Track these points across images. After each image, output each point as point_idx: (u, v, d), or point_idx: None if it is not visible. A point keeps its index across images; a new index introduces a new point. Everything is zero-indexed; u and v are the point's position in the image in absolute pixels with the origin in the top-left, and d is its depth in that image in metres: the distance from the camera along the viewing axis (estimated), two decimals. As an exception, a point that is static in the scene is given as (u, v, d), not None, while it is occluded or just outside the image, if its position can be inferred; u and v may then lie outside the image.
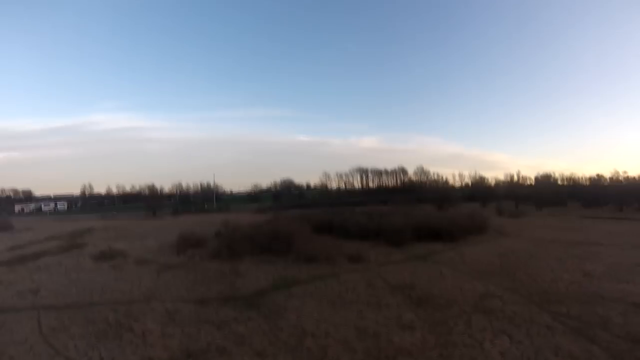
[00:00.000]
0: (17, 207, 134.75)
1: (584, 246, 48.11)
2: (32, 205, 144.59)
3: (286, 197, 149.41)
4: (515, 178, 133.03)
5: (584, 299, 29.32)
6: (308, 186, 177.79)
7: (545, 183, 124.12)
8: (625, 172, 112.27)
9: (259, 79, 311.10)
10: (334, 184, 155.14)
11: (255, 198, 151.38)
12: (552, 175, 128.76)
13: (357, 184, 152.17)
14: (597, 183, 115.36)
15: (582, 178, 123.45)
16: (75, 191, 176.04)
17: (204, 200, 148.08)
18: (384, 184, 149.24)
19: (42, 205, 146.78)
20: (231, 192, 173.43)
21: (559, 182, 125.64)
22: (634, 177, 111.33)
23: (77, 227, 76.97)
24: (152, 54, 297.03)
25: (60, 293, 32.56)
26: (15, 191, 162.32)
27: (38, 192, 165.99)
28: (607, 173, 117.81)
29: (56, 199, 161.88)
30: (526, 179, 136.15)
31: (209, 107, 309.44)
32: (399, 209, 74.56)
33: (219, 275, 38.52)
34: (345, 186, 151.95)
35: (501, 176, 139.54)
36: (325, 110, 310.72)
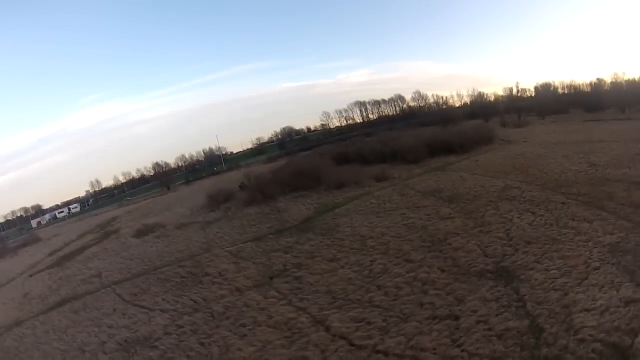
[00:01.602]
0: (34, 222, 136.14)
1: (589, 144, 51.52)
2: (47, 217, 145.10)
3: (290, 143, 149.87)
4: (515, 91, 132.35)
5: (591, 182, 33.71)
6: (309, 130, 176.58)
7: (546, 92, 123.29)
8: (624, 74, 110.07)
9: (235, 37, 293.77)
10: (335, 123, 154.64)
11: (261, 151, 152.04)
12: (552, 84, 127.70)
13: (357, 118, 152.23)
14: (598, 88, 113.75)
15: (582, 85, 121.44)
16: (82, 193, 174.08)
17: (211, 164, 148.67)
18: (384, 114, 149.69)
19: (57, 214, 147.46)
20: (232, 153, 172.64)
21: (560, 90, 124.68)
22: (635, 79, 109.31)
23: (101, 220, 77.62)
24: (121, 40, 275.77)
25: (122, 269, 35.43)
26: (26, 209, 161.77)
27: (47, 204, 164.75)
28: (607, 77, 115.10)
29: (66, 204, 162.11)
30: (526, 91, 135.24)
31: (191, 76, 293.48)
32: (407, 132, 76.98)
33: (262, 216, 42.16)
34: (347, 122, 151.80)
35: (500, 91, 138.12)
36: (310, 54, 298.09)
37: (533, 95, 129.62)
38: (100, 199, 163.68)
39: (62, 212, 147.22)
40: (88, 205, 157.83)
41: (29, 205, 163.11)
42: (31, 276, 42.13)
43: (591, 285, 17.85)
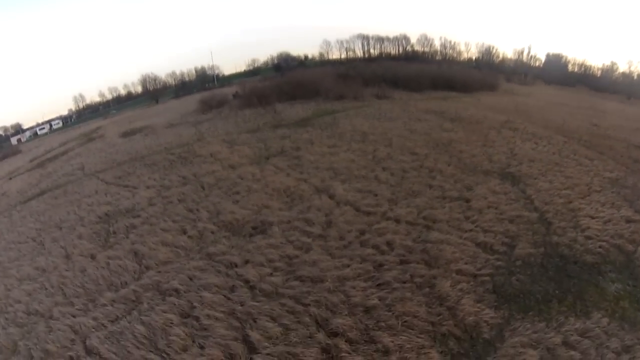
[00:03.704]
0: (13, 140, 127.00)
1: (592, 110, 51.57)
2: (27, 134, 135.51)
3: (286, 68, 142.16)
4: (526, 53, 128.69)
5: (593, 135, 33.72)
6: (306, 57, 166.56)
7: (556, 62, 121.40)
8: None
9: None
10: (334, 54, 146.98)
11: (256, 72, 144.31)
12: (564, 57, 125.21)
13: (358, 51, 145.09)
14: (608, 72, 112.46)
15: (594, 67, 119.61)
16: (65, 111, 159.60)
17: (203, 81, 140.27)
18: (386, 51, 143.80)
19: (37, 130, 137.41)
20: (223, 75, 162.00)
21: (570, 67, 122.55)
22: None
23: (85, 130, 72.18)
24: None
25: (106, 160, 32.87)
26: (5, 128, 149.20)
27: (27, 123, 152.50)
28: (622, 62, 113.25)
29: (48, 122, 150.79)
30: (535, 58, 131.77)
31: None
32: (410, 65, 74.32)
33: (257, 115, 40.02)
34: (347, 53, 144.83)
35: (510, 52, 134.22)
36: None
37: (542, 64, 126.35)
38: (84, 114, 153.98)
39: (43, 128, 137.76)
40: (71, 121, 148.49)
41: (7, 124, 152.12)
42: (10, 179, 39.28)
43: (593, 201, 17.96)
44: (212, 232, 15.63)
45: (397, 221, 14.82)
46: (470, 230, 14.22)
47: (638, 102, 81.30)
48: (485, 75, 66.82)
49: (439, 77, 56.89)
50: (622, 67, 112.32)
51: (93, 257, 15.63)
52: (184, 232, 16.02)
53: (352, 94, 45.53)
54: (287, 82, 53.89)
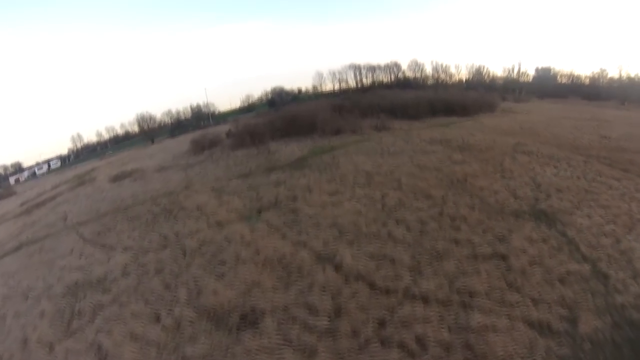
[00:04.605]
0: (12, 179, 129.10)
1: (595, 121, 49.48)
2: (25, 173, 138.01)
3: (280, 102, 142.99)
4: (516, 71, 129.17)
5: (608, 149, 31.40)
6: (300, 91, 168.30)
7: (545, 76, 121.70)
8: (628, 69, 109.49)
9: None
10: (327, 86, 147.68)
11: (251, 108, 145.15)
12: (553, 69, 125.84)
13: (351, 82, 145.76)
14: (598, 79, 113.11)
15: (583, 76, 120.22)
16: (64, 150, 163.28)
17: (198, 120, 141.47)
18: (378, 80, 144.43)
19: (36, 170, 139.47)
20: (218, 112, 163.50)
21: (559, 78, 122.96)
22: (636, 75, 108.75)
23: (79, 171, 71.23)
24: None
25: (90, 211, 30.83)
26: (5, 167, 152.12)
27: (27, 162, 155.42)
28: (612, 69, 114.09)
29: (47, 161, 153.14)
30: (526, 74, 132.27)
31: (178, 28, 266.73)
32: (406, 92, 73.26)
33: (251, 156, 37.84)
34: (340, 84, 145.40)
35: (499, 71, 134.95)
36: (306, 15, 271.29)
37: (531, 79, 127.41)
38: (83, 154, 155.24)
39: (42, 168, 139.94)
40: (69, 161, 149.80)
41: (7, 163, 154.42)
42: (-4, 226, 37.89)
43: (641, 235, 15.47)
44: (191, 322, 12.74)
45: (425, 300, 11.94)
46: (518, 303, 11.41)
47: (633, 107, 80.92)
48: (482, 95, 65.37)
49: (436, 102, 55.38)
50: (612, 73, 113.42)
51: (51, 347, 12.98)
52: (158, 319, 13.21)
53: (350, 127, 43.80)
54: (281, 118, 52.17)
